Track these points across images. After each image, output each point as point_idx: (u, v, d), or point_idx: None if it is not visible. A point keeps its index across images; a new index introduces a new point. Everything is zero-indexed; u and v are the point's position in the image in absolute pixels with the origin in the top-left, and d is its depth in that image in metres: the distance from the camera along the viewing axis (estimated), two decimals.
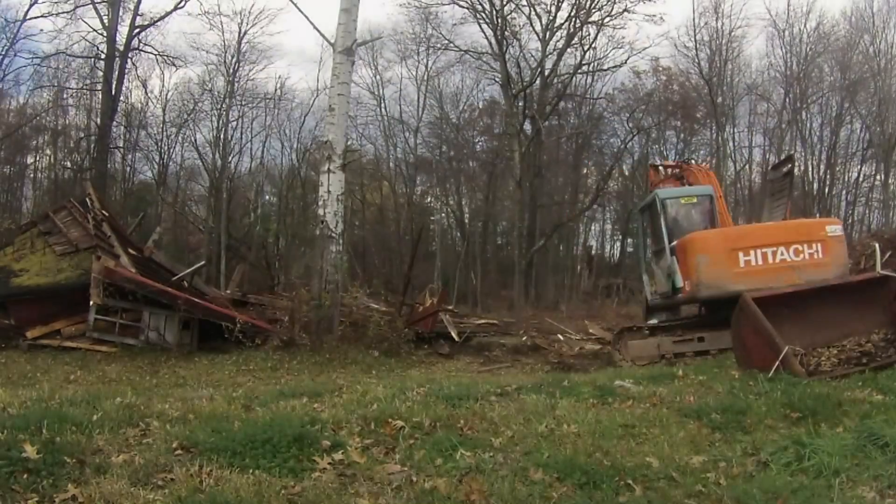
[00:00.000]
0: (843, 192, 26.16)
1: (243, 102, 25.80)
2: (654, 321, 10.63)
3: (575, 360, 10.60)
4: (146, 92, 26.12)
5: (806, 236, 9.23)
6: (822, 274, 8.90)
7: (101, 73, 22.56)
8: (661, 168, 12.79)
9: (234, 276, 15.55)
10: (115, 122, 23.58)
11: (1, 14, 21.63)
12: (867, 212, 26.59)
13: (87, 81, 24.24)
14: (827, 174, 25.16)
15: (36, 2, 21.26)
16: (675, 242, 9.76)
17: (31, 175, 27.32)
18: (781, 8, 33.87)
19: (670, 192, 10.82)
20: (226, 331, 10.46)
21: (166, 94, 26.46)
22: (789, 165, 12.12)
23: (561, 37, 23.38)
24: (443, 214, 30.09)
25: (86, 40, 22.33)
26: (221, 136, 25.30)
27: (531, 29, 23.81)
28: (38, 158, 27.38)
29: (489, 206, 27.52)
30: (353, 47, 11.51)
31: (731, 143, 25.79)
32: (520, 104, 23.50)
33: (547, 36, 23.32)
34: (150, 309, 10.92)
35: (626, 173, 29.62)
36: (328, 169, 10.95)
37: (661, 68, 25.74)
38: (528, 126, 23.65)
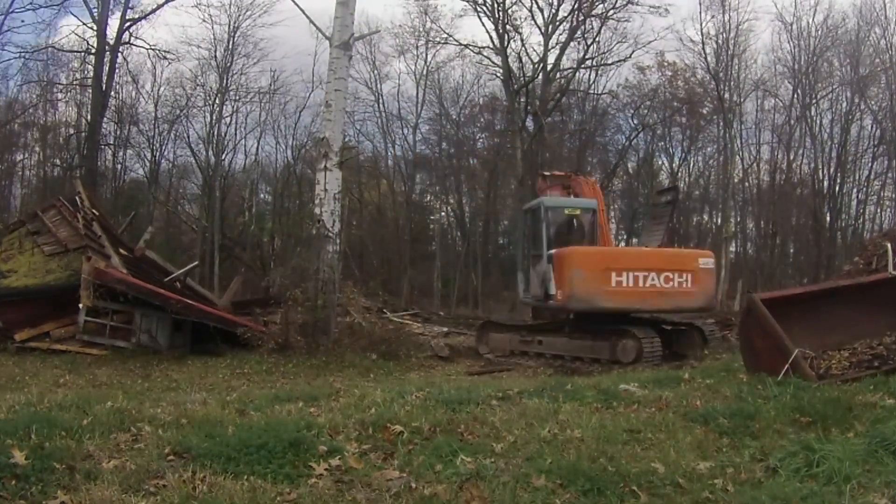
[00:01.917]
0: (854, 190, 26.01)
1: (237, 98, 25.63)
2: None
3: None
4: (137, 87, 25.87)
5: (679, 266, 10.26)
6: (690, 303, 10.32)
7: (90, 68, 22.35)
8: (548, 176, 13.03)
9: (231, 288, 15.41)
10: (105, 119, 23.37)
11: None
12: (878, 210, 26.42)
13: (77, 76, 24.05)
14: (837, 172, 24.98)
15: None
16: (552, 251, 10.49)
17: (20, 173, 27.08)
18: (789, 1, 33.52)
19: (556, 200, 11.50)
20: (241, 338, 10.40)
21: (158, 90, 26.23)
22: (671, 195, 12.71)
23: (564, 30, 23.41)
24: (443, 213, 30.05)
25: (75, 34, 22.16)
26: (214, 133, 25.11)
27: (533, 22, 23.84)
28: (26, 156, 27.15)
29: (490, 204, 27.46)
30: (350, 41, 11.43)
31: (738, 140, 25.62)
32: (521, 100, 23.49)
33: (549, 30, 23.33)
34: (142, 310, 10.79)
35: (631, 171, 29.70)
36: (325, 167, 10.87)
37: (666, 63, 25.72)
38: (530, 122, 23.62)
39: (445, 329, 14.36)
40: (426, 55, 26.57)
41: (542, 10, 23.47)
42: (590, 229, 11.36)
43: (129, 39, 22.69)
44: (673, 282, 10.09)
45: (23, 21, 35.53)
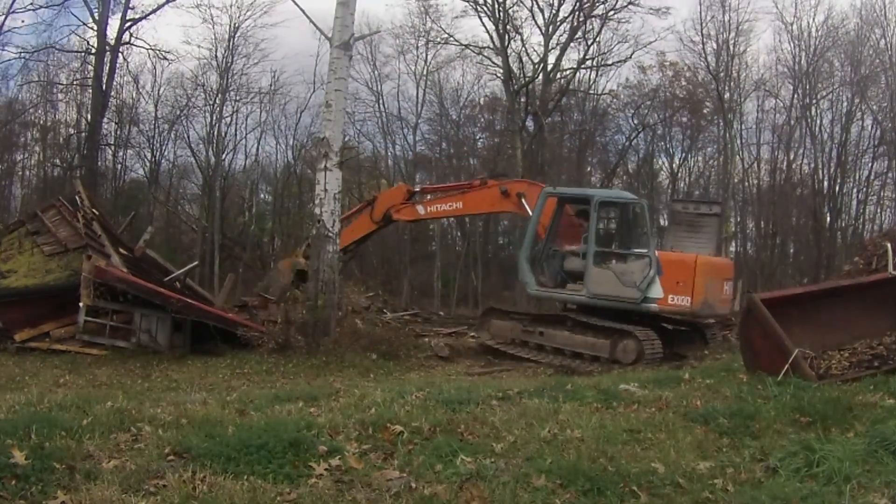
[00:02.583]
0: (854, 190, 25.91)
1: (237, 98, 25.63)
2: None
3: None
4: (137, 87, 25.87)
5: (731, 275, 10.97)
6: (731, 309, 11.01)
7: (91, 68, 22.34)
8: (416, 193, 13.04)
9: (225, 286, 15.40)
10: (105, 119, 23.37)
11: None
12: (879, 210, 26.39)
13: (77, 76, 24.04)
14: (837, 172, 24.90)
15: None
16: (657, 254, 10.43)
17: (20, 173, 27.07)
18: (789, 1, 33.43)
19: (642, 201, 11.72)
20: (242, 338, 10.38)
21: (158, 90, 26.22)
22: (718, 209, 13.06)
23: (564, 31, 23.40)
24: None
25: (76, 34, 22.17)
26: (215, 133, 25.11)
27: (533, 23, 23.82)
28: (26, 155, 27.13)
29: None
30: (351, 42, 11.41)
31: (738, 140, 25.61)
32: (522, 100, 23.48)
33: (550, 30, 23.31)
34: (142, 310, 10.79)
35: (631, 171, 29.66)
36: (325, 167, 10.85)
37: (666, 63, 25.71)
38: (530, 123, 23.61)
39: (453, 330, 14.25)
40: (426, 55, 26.58)
41: (542, 11, 23.50)
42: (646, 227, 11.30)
43: (130, 39, 22.73)
44: (730, 289, 10.92)
45: (23, 21, 35.56)
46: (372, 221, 12.78)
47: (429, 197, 13.03)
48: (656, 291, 10.18)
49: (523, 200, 11.69)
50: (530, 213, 11.65)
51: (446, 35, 24.66)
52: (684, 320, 11.28)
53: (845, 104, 25.07)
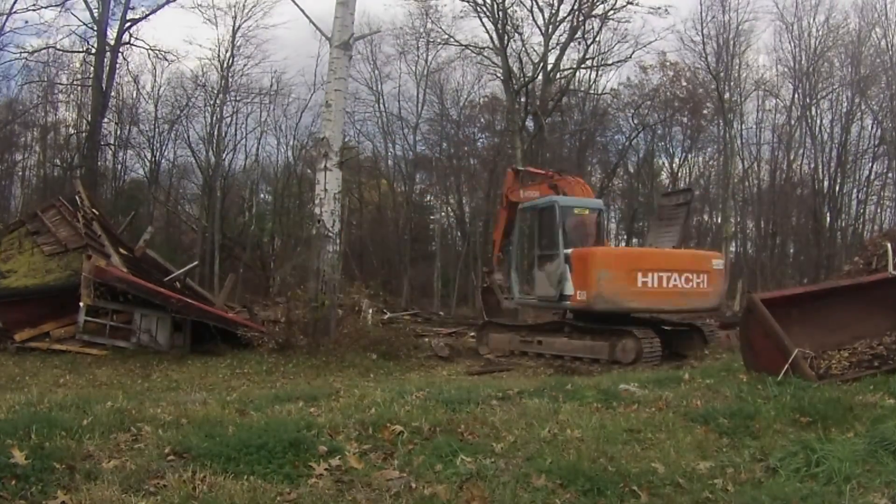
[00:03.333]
0: (854, 190, 26.06)
1: (238, 98, 25.65)
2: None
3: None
4: (138, 87, 25.92)
5: (697, 266, 10.49)
6: (705, 303, 10.61)
7: (91, 69, 22.33)
8: (522, 172, 13.05)
9: (226, 286, 15.41)
10: (105, 119, 23.37)
11: None
12: (879, 210, 26.51)
13: (78, 77, 24.04)
14: (837, 172, 25.02)
15: None
16: (570, 251, 10.48)
17: (20, 173, 27.07)
18: (789, 1, 33.42)
19: (569, 200, 11.52)
20: (242, 338, 10.38)
21: (158, 90, 26.28)
22: (685, 197, 12.87)
23: (564, 31, 23.41)
24: (443, 213, 29.99)
25: (76, 34, 22.15)
26: (215, 133, 25.12)
27: (533, 23, 23.84)
28: (26, 156, 27.13)
29: (490, 204, 27.37)
30: (351, 42, 11.41)
31: (738, 140, 25.64)
32: (522, 100, 23.47)
33: (549, 30, 23.31)
34: (142, 310, 10.78)
35: (631, 171, 29.66)
36: (325, 167, 10.86)
37: (667, 63, 25.75)
38: (530, 123, 23.61)
39: (453, 330, 14.32)
40: (427, 55, 26.61)
41: (542, 11, 23.50)
42: (596, 230, 11.44)
43: (130, 40, 22.73)
44: (692, 282, 10.32)
45: (26, 22, 35.60)
46: (504, 209, 12.97)
47: (529, 182, 13.00)
48: (569, 288, 10.36)
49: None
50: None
51: (446, 35, 24.71)
52: (682, 319, 11.32)
53: (845, 104, 25.15)
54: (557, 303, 10.59)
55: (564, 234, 10.74)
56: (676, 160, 29.16)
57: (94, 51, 21.86)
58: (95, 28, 21.58)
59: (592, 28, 23.33)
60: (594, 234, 11.37)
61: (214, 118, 24.99)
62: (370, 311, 12.65)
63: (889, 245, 9.02)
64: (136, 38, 22.92)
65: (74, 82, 24.36)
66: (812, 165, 25.61)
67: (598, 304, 10.02)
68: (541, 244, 11.29)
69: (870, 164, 25.66)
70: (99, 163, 23.58)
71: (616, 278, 9.97)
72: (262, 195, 30.32)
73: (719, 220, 25.71)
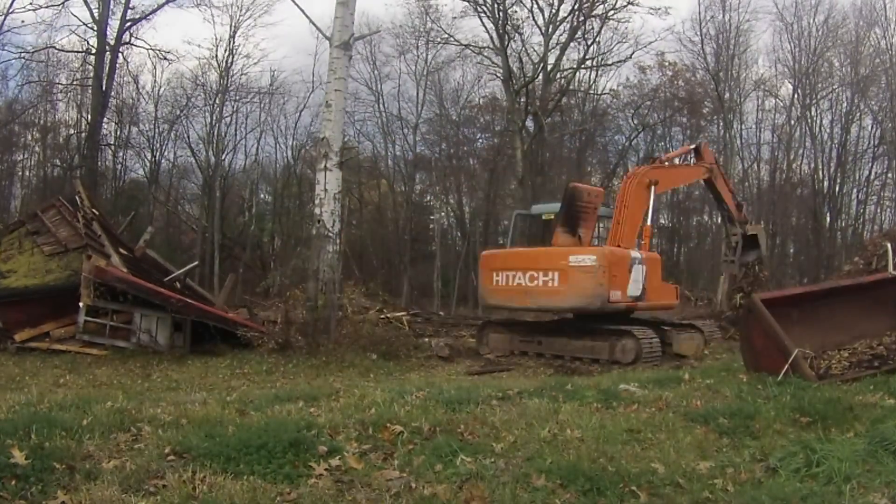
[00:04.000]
0: (854, 190, 26.06)
1: (237, 97, 25.62)
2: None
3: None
4: (137, 87, 25.88)
5: (546, 265, 10.49)
6: (557, 302, 10.62)
7: (91, 68, 22.32)
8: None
9: (226, 286, 15.40)
10: (105, 119, 23.35)
11: None
12: (879, 210, 26.50)
13: (77, 77, 24.02)
14: (837, 172, 25.04)
15: None
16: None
17: (20, 173, 27.03)
18: (789, 1, 33.49)
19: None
20: (242, 338, 10.38)
21: (158, 90, 26.26)
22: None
23: (564, 31, 23.38)
24: (443, 213, 29.98)
25: (76, 34, 22.14)
26: (215, 133, 25.11)
27: (533, 23, 23.78)
28: (26, 156, 27.11)
29: (490, 204, 27.41)
30: (351, 42, 11.40)
31: (738, 140, 25.63)
32: (522, 100, 23.43)
33: (549, 30, 23.28)
34: (142, 310, 10.77)
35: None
36: (325, 167, 10.85)
37: (666, 63, 25.68)
38: (530, 123, 23.59)
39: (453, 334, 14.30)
40: (426, 55, 26.56)
41: (542, 11, 23.48)
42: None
43: (130, 40, 22.70)
44: (537, 281, 10.50)
45: (23, 21, 35.58)
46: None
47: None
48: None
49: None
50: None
51: (446, 35, 24.66)
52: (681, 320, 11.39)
53: (845, 104, 25.13)
54: None
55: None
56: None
57: (93, 51, 21.83)
58: (95, 28, 21.57)
59: (592, 28, 23.33)
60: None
61: (214, 118, 25.00)
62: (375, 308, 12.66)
63: (889, 245, 9.04)
64: (136, 38, 22.93)
65: (74, 82, 24.36)
66: (812, 165, 25.63)
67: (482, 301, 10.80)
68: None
69: (870, 165, 25.69)
70: (99, 163, 23.55)
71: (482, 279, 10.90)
72: (261, 195, 30.33)
73: (719, 221, 25.71)
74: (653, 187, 11.09)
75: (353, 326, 10.64)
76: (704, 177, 12.39)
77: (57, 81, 24.57)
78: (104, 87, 21.71)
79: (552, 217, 11.47)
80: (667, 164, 12.51)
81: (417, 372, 9.83)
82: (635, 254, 10.62)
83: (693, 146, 12.94)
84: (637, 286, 10.36)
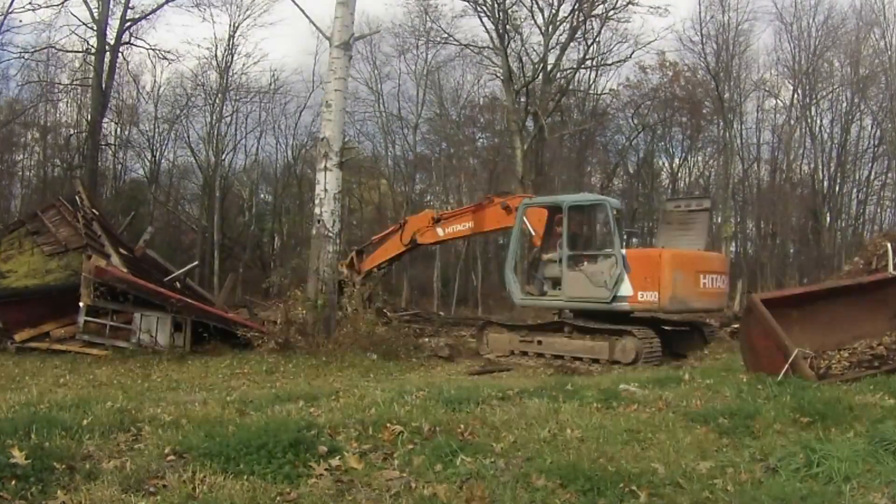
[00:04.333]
0: (854, 190, 26.06)
1: (237, 97, 25.63)
2: None
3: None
4: (137, 87, 25.90)
5: (722, 268, 11.04)
6: (723, 303, 11.17)
7: (91, 68, 22.32)
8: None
9: (226, 286, 15.41)
10: (105, 119, 23.35)
11: None
12: (879, 210, 26.51)
13: (78, 76, 24.02)
14: (837, 172, 25.02)
15: None
16: (625, 251, 10.55)
17: (20, 173, 27.03)
18: (789, 1, 33.30)
19: (614, 201, 12.00)
20: (242, 338, 10.38)
21: (158, 90, 26.27)
22: (708, 204, 12.87)
23: (564, 31, 23.34)
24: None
25: (75, 34, 22.14)
26: (215, 133, 25.11)
27: (533, 22, 23.74)
28: (26, 156, 27.12)
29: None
30: (351, 41, 11.40)
31: (738, 140, 25.59)
32: (522, 100, 23.42)
33: (549, 30, 23.26)
34: (142, 310, 10.77)
35: (631, 171, 29.65)
36: (325, 166, 10.85)
37: (666, 63, 25.69)
38: (530, 122, 23.58)
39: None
40: (426, 55, 26.56)
41: (542, 11, 23.47)
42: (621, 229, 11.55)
43: (130, 39, 22.70)
44: (719, 283, 10.86)
45: (21, 21, 35.58)
46: (401, 244, 13.10)
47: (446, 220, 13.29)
48: (626, 289, 10.25)
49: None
50: (531, 228, 11.64)
51: (446, 35, 24.64)
52: (683, 319, 11.34)
53: (845, 104, 25.13)
54: (609, 304, 10.43)
55: (620, 235, 10.84)
56: (676, 160, 29.15)
57: (93, 50, 21.83)
58: (95, 28, 21.57)
59: (592, 28, 23.32)
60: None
61: (214, 118, 25.01)
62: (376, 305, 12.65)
63: (889, 245, 9.04)
64: (136, 38, 22.94)
65: (74, 82, 24.36)
66: (812, 165, 25.62)
67: (673, 305, 10.21)
68: (583, 245, 11.31)
69: (870, 165, 25.67)
70: (99, 163, 23.52)
71: (687, 280, 10.26)
72: (261, 195, 30.35)
73: (719, 220, 25.70)
74: None
75: (352, 326, 10.63)
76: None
77: (57, 81, 24.60)
78: (104, 87, 21.70)
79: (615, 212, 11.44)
80: None
81: (417, 372, 9.82)
82: None
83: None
84: None
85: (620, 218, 11.58)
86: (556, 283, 11.18)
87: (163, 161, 27.17)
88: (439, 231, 12.69)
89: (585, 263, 10.82)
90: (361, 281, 12.61)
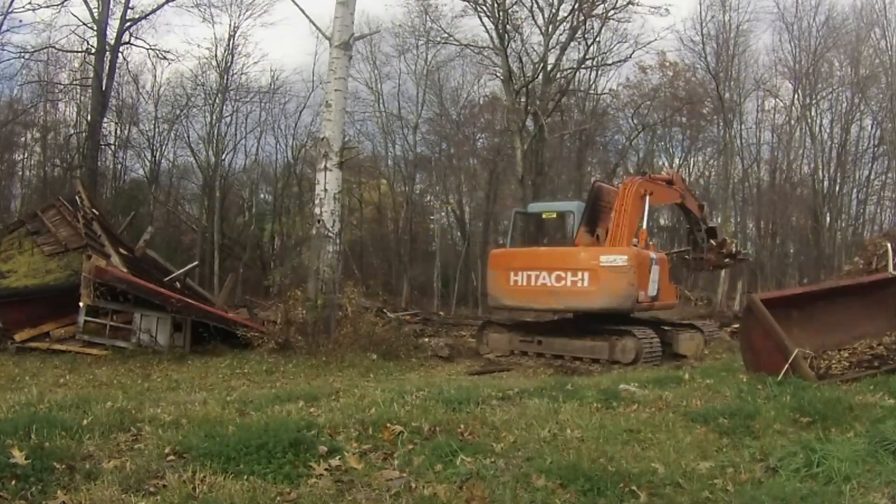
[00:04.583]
0: (854, 190, 26.07)
1: (237, 97, 25.62)
2: None
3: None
4: (137, 87, 25.89)
5: (575, 265, 10.49)
6: (586, 303, 10.52)
7: (91, 68, 22.31)
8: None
9: (226, 286, 15.40)
10: (105, 119, 23.34)
11: None
12: (878, 210, 26.53)
13: (77, 76, 24.02)
14: (837, 172, 25.05)
15: None
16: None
17: (20, 173, 27.02)
18: (790, 1, 33.53)
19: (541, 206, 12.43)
20: (242, 338, 10.38)
21: (158, 90, 26.26)
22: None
23: (564, 30, 23.32)
24: (443, 213, 29.96)
25: (75, 34, 22.13)
26: (214, 133, 25.10)
27: (533, 22, 23.73)
28: (26, 156, 27.11)
29: (490, 204, 27.39)
30: (351, 41, 11.40)
31: (738, 140, 25.62)
32: (522, 100, 23.41)
33: (549, 30, 23.25)
34: (142, 310, 10.77)
35: (631, 171, 29.64)
36: (325, 166, 10.86)
37: (666, 63, 25.72)
38: (530, 122, 23.58)
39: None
40: (426, 55, 26.56)
41: (542, 10, 23.46)
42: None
43: (130, 39, 22.69)
44: (565, 281, 10.46)
45: (20, 21, 35.53)
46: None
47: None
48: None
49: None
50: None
51: (446, 35, 24.64)
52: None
53: (845, 104, 25.16)
54: None
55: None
56: (676, 160, 29.14)
57: (93, 50, 21.82)
58: (95, 28, 21.56)
59: (592, 28, 23.31)
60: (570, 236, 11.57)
61: (214, 118, 24.99)
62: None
63: (889, 245, 9.04)
64: (136, 38, 22.93)
65: (74, 82, 24.36)
66: (812, 165, 25.63)
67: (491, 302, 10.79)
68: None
69: (870, 165, 25.70)
70: (99, 163, 23.49)
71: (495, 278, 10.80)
72: (261, 195, 30.34)
73: (719, 220, 25.72)
74: (647, 197, 11.06)
75: (352, 326, 10.63)
76: (678, 201, 12.43)
77: (57, 81, 24.59)
78: (104, 87, 21.68)
79: (553, 216, 11.47)
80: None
81: (417, 372, 9.82)
82: (652, 254, 10.68)
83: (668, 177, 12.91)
84: (654, 286, 10.41)
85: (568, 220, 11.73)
86: None
87: (163, 161, 27.18)
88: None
89: None
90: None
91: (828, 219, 25.07)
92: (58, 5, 21.14)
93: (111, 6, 21.69)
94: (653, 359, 9.80)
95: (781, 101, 26.01)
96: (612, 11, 22.28)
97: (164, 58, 23.53)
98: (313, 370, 9.18)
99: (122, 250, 12.56)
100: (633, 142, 27.73)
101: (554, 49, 23.53)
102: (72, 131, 25.09)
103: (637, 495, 2.88)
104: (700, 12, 25.50)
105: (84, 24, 21.68)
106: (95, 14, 21.49)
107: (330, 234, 10.75)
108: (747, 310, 5.57)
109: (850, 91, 24.62)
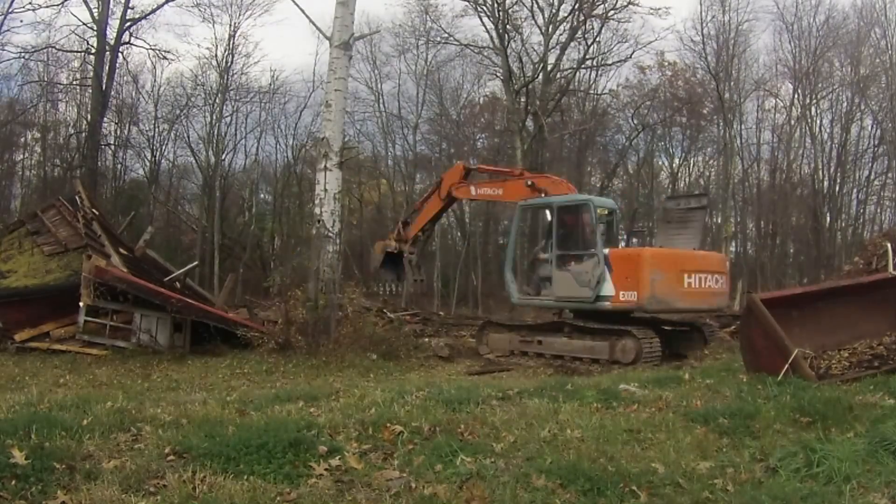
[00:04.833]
0: (854, 190, 26.04)
1: (237, 97, 25.62)
2: None
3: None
4: (137, 87, 25.89)
5: (718, 268, 10.95)
6: (722, 302, 11.10)
7: (91, 68, 22.32)
8: (472, 171, 13.18)
9: (225, 286, 15.40)
10: (105, 119, 23.35)
11: None
12: (879, 210, 26.50)
13: (77, 76, 24.04)
14: (837, 172, 25.05)
15: None
16: (608, 251, 10.53)
17: (20, 173, 27.03)
18: (790, 1, 33.44)
19: (602, 201, 12.08)
20: (242, 338, 10.38)
21: (158, 90, 26.26)
22: (704, 201, 13.11)
23: (564, 31, 23.36)
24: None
25: (75, 34, 22.14)
26: (214, 133, 25.11)
27: (533, 22, 23.77)
28: (26, 156, 27.12)
29: (490, 204, 27.37)
30: (351, 41, 11.40)
31: (738, 140, 25.61)
32: (522, 100, 23.43)
33: (549, 30, 23.27)
34: (142, 310, 10.77)
35: (631, 171, 29.66)
36: (325, 166, 10.86)
37: (666, 63, 25.71)
38: (530, 122, 23.59)
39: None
40: (426, 55, 26.57)
41: (542, 11, 23.48)
42: (615, 229, 11.65)
43: (129, 39, 22.71)
44: (716, 282, 10.78)
45: (21, 21, 35.53)
46: (440, 199, 12.98)
47: (481, 178, 13.34)
48: (608, 289, 10.29)
49: (543, 196, 11.54)
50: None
51: (446, 34, 24.66)
52: (683, 319, 11.37)
53: (845, 104, 25.14)
54: (588, 302, 10.48)
55: (599, 235, 10.68)
56: (676, 160, 29.17)
57: (93, 50, 21.83)
58: (95, 27, 21.56)
59: (592, 28, 23.33)
60: (614, 235, 11.52)
61: (214, 118, 25.00)
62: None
63: (889, 245, 9.03)
64: (136, 38, 22.94)
65: (74, 82, 24.38)
66: (812, 165, 25.63)
67: (651, 304, 10.18)
68: (567, 244, 11.13)
69: (870, 165, 25.67)
70: (99, 163, 23.52)
71: (667, 280, 10.17)
72: (261, 195, 30.35)
73: (719, 220, 25.72)
74: None
75: (353, 326, 10.63)
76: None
77: (57, 81, 24.59)
78: (104, 87, 21.70)
79: (606, 213, 11.31)
80: None
81: (417, 372, 9.82)
82: None
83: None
84: None
85: (613, 219, 11.67)
86: (549, 282, 11.25)
87: (163, 161, 27.20)
88: (472, 190, 12.73)
89: (572, 263, 10.87)
90: (410, 249, 12.70)
91: (828, 219, 25.06)
92: (58, 5, 21.18)
93: (111, 6, 21.73)
94: (653, 359, 9.80)
95: (781, 101, 26.04)
96: (611, 12, 22.30)
97: (164, 58, 23.57)
98: (313, 370, 9.18)
99: (122, 250, 12.56)
100: (633, 142, 27.75)
101: (554, 49, 23.56)
102: (72, 131, 25.12)
103: (637, 495, 2.88)
104: (700, 12, 25.58)
105: (84, 24, 21.72)
106: (95, 14, 21.52)
107: (330, 234, 10.76)
108: (747, 310, 5.56)
109: (850, 91, 24.61)
